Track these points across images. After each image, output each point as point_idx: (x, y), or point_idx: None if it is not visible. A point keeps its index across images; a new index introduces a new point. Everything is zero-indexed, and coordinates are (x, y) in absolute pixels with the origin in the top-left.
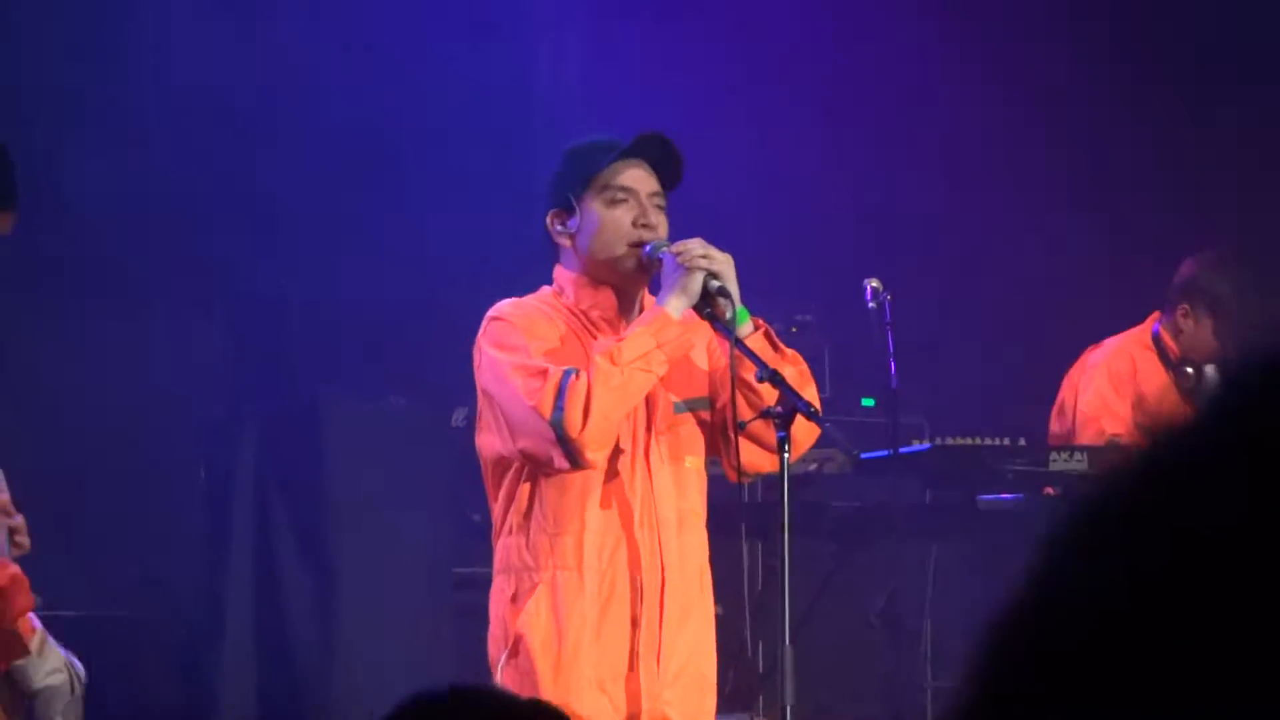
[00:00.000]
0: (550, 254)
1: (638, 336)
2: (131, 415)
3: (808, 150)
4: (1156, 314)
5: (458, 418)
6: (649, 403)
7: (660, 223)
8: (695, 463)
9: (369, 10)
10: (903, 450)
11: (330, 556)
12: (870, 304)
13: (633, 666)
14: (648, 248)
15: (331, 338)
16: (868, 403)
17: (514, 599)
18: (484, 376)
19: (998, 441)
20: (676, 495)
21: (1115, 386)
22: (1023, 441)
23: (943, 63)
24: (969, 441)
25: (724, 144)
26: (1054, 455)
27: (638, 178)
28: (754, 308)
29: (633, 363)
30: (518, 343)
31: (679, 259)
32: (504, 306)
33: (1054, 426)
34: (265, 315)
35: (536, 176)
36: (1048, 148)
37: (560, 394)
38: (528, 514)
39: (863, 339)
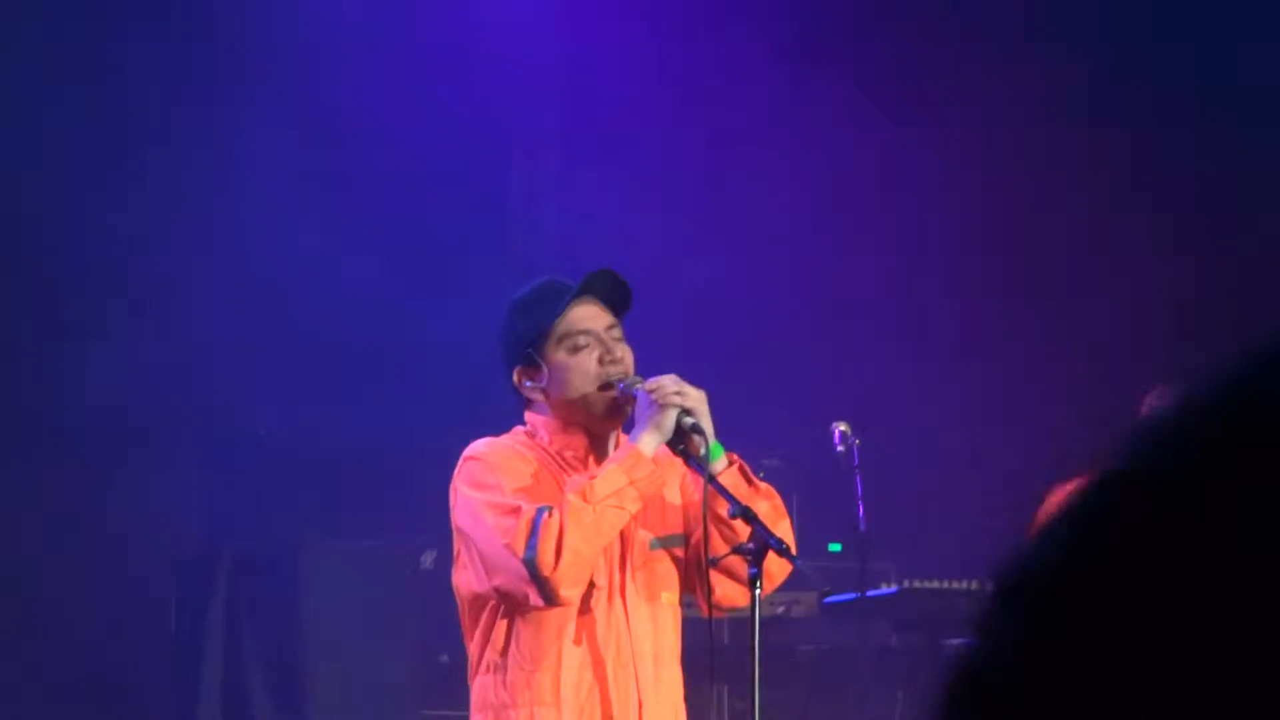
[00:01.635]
0: (518, 401)
1: (611, 474)
2: (101, 552)
3: (775, 295)
4: None
5: (427, 559)
6: (623, 540)
7: (624, 353)
8: (671, 599)
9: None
10: (870, 593)
11: (300, 695)
12: (839, 448)
13: None
14: (621, 385)
15: (304, 478)
16: (834, 548)
17: None
18: (459, 515)
19: (965, 585)
20: (653, 632)
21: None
22: (990, 585)
23: (912, 193)
24: (936, 584)
25: (691, 284)
26: None
27: (591, 315)
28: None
29: (605, 500)
30: (491, 481)
31: (653, 396)
32: (479, 446)
33: None
34: (239, 455)
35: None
36: (1023, 289)
37: (533, 532)
38: (504, 651)
39: (829, 483)
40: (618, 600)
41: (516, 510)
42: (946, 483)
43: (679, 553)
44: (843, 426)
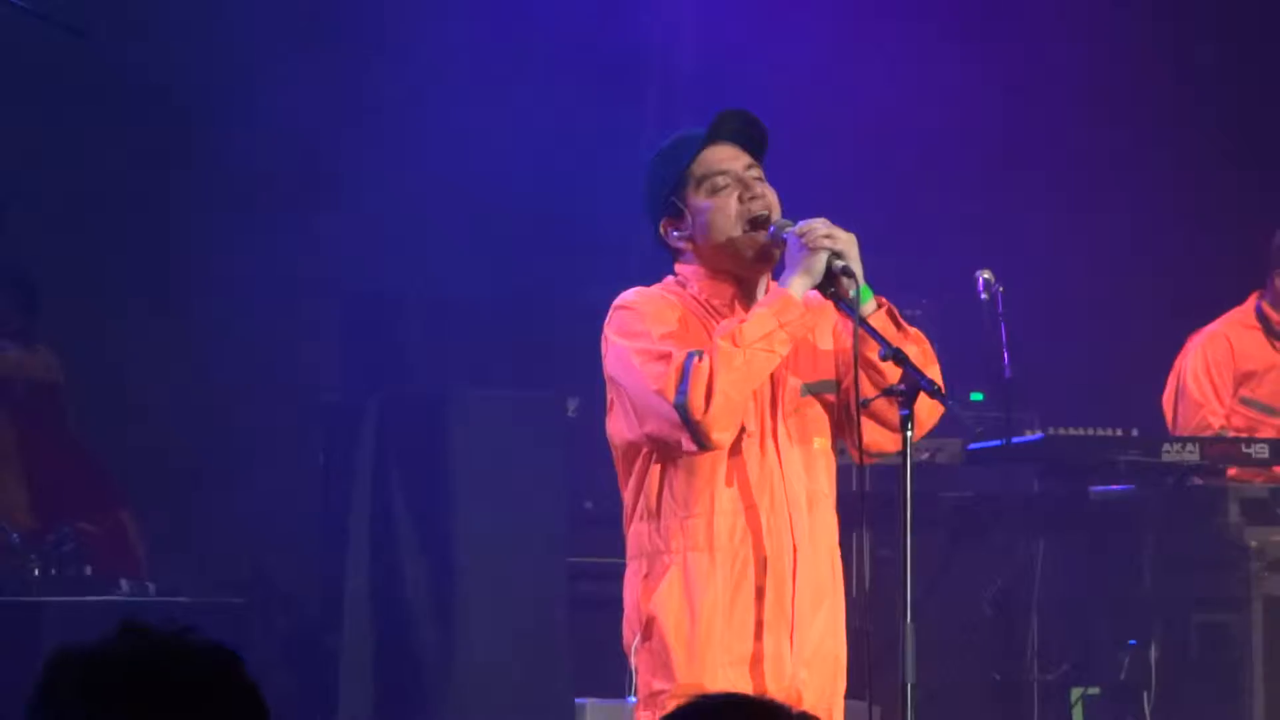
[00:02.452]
0: (669, 255)
1: (760, 317)
2: (249, 403)
3: (923, 145)
4: (1256, 292)
5: (572, 407)
6: (774, 384)
7: (765, 191)
8: (823, 444)
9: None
10: (1015, 440)
11: (447, 546)
12: (982, 295)
13: (766, 646)
14: (771, 229)
15: (448, 328)
16: (976, 397)
17: (646, 581)
18: (609, 363)
19: (1110, 432)
20: (806, 476)
21: (1211, 374)
22: (1135, 432)
23: (1056, 65)
24: (1081, 432)
25: (838, 136)
26: (1166, 446)
27: (728, 156)
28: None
29: (755, 343)
30: (640, 329)
31: (803, 240)
32: (628, 295)
33: (1168, 414)
34: (383, 306)
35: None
36: (1152, 140)
37: (684, 377)
38: (658, 498)
39: (972, 333)
40: (770, 445)
41: (667, 356)
42: (1092, 330)
43: (830, 398)
44: (986, 274)
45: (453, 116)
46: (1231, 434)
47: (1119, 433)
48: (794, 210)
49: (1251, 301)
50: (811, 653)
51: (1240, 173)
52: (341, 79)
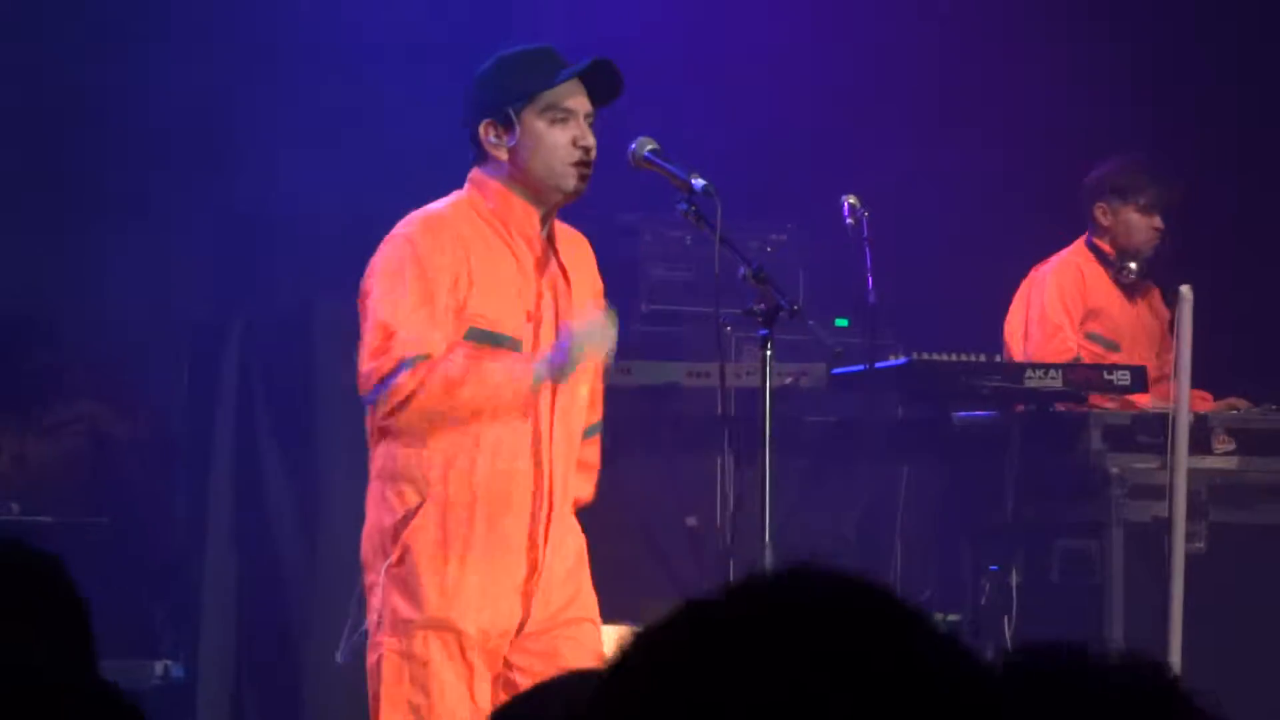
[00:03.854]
0: (470, 157)
1: (497, 384)
2: (112, 321)
3: (783, 64)
4: (1083, 235)
5: None
6: (557, 334)
7: (592, 143)
8: (587, 390)
9: None
10: (879, 365)
11: (312, 459)
12: (848, 220)
13: (509, 595)
14: (632, 145)
15: (317, 246)
16: (841, 323)
17: (405, 508)
18: (364, 288)
19: (974, 358)
20: (571, 419)
21: (1066, 302)
22: (999, 358)
23: None
24: (945, 358)
25: (699, 59)
26: (1029, 372)
27: (579, 100)
28: (732, 226)
29: (473, 400)
30: (398, 285)
31: (576, 345)
32: (414, 227)
33: (1014, 346)
34: (246, 225)
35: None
36: (1023, 60)
37: (386, 379)
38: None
39: (837, 258)
40: (545, 394)
41: (388, 341)
42: (955, 256)
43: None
44: (851, 199)
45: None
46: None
47: (983, 358)
48: (661, 135)
49: (1082, 240)
50: (554, 596)
51: (1109, 107)
52: None
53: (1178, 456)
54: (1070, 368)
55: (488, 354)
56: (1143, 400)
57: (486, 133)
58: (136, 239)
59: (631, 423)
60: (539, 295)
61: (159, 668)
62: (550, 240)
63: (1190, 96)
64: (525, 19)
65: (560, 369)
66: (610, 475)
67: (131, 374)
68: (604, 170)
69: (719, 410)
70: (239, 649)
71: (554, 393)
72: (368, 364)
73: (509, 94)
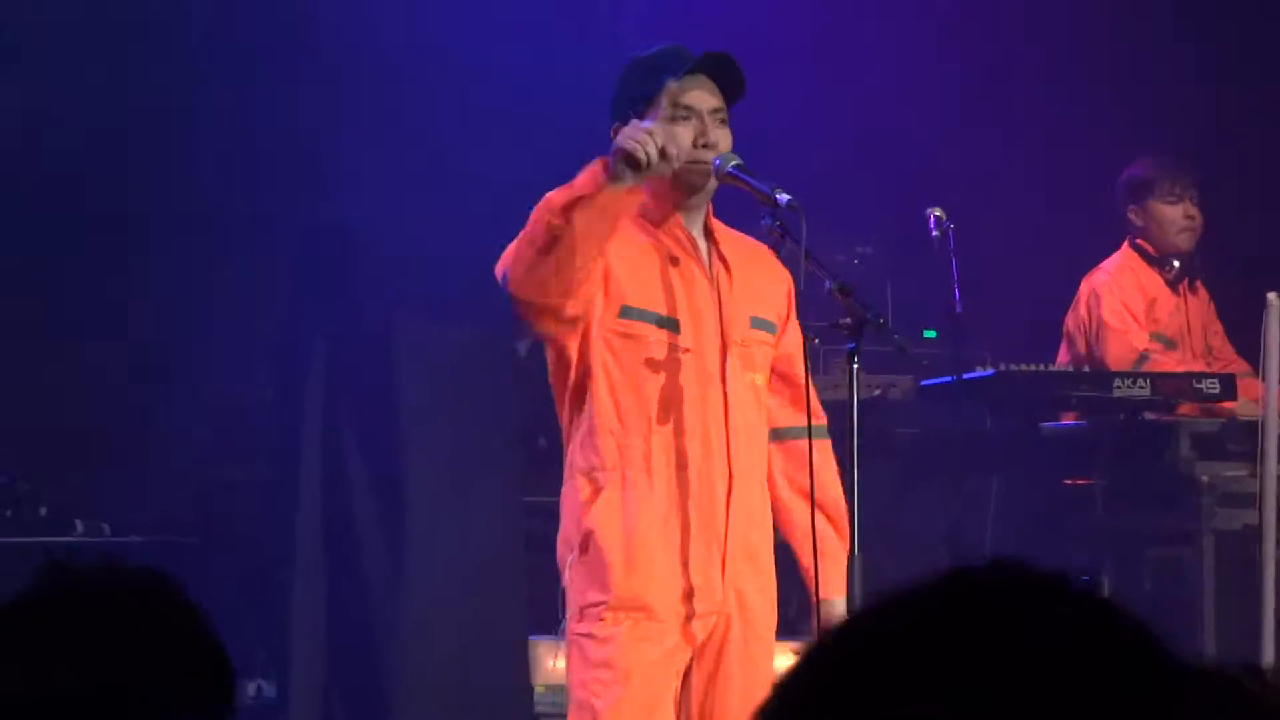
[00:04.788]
0: None
1: (574, 185)
2: (197, 339)
3: (869, 81)
4: (1125, 240)
5: (523, 347)
6: (724, 313)
7: (722, 138)
8: (761, 380)
9: None
10: (966, 376)
11: (399, 482)
12: (934, 233)
13: (694, 571)
14: (716, 160)
15: (398, 265)
16: (929, 335)
17: (585, 498)
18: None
19: (1060, 367)
20: (746, 407)
21: (1126, 303)
22: (1086, 368)
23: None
24: (1032, 368)
25: (786, 74)
26: (1117, 382)
27: (699, 96)
28: (818, 238)
29: (557, 206)
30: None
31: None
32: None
33: (1063, 356)
34: (330, 242)
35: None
36: (1110, 80)
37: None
38: (596, 415)
39: (924, 270)
40: (715, 371)
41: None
42: (1044, 266)
43: (769, 339)
44: (937, 211)
45: (413, 38)
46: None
47: (1070, 368)
48: (745, 149)
49: (1126, 245)
50: (743, 578)
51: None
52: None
53: (1267, 464)
54: (1159, 376)
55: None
56: (1229, 406)
57: (616, 135)
58: (222, 260)
59: None
60: (696, 282)
61: (251, 688)
62: (711, 235)
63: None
64: (604, 45)
65: (612, 160)
66: None
67: (219, 395)
68: None
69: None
70: (329, 668)
71: (723, 376)
72: (499, 269)
73: (632, 96)
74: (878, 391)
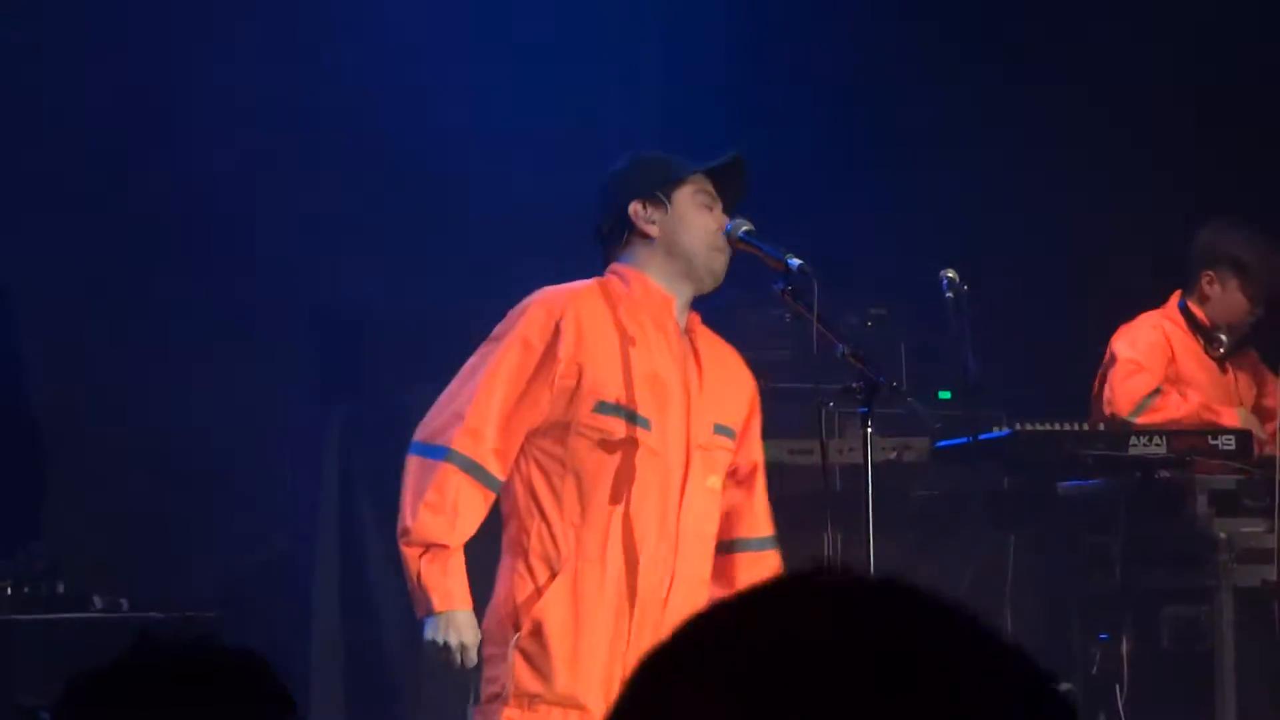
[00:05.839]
0: (611, 246)
1: (427, 581)
2: (215, 418)
3: (881, 144)
4: (1178, 291)
5: None
6: (692, 416)
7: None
8: (716, 483)
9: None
10: (982, 437)
11: None
12: (947, 294)
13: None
14: (728, 226)
15: (413, 341)
16: (944, 395)
17: (540, 584)
18: (477, 350)
19: (1076, 426)
20: (700, 511)
21: (1143, 350)
22: (1102, 426)
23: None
24: (1047, 427)
25: (800, 135)
26: (1133, 440)
27: (713, 191)
28: (830, 300)
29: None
30: (495, 350)
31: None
32: (542, 295)
33: (1094, 412)
34: (345, 319)
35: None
36: (1132, 135)
37: (421, 447)
38: (552, 498)
39: (937, 331)
40: (677, 474)
41: (462, 412)
42: (1057, 324)
43: (729, 444)
44: (950, 273)
45: (411, 110)
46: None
47: (1084, 427)
48: (759, 211)
49: (1173, 301)
50: None
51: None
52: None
53: None
54: (1174, 434)
55: (442, 557)
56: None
57: (637, 211)
58: (224, 346)
59: None
60: (671, 383)
61: None
62: (690, 335)
63: None
64: (613, 120)
65: (426, 625)
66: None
67: (236, 474)
68: None
69: (823, 487)
70: None
71: (685, 478)
72: (431, 417)
73: (660, 176)
74: (893, 454)
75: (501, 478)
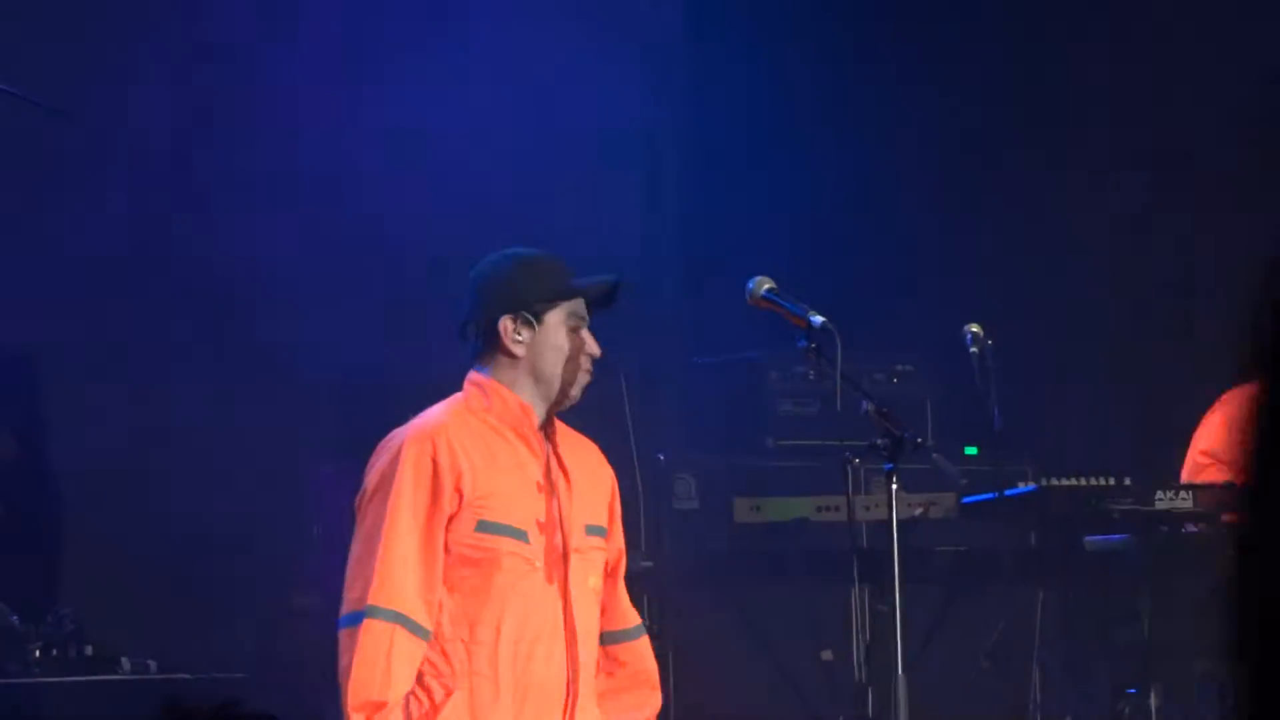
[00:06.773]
0: (475, 351)
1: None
2: (240, 477)
3: (903, 202)
4: None
5: None
6: (564, 523)
7: (599, 353)
8: (596, 583)
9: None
10: (1008, 492)
11: None
12: (971, 349)
13: None
14: (750, 284)
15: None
16: (970, 451)
17: (436, 701)
18: (360, 510)
19: (1103, 481)
20: (586, 613)
21: (1231, 432)
22: (1128, 481)
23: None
24: (1074, 482)
25: (821, 193)
26: (1160, 494)
27: (587, 310)
28: (856, 359)
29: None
30: (390, 514)
31: None
32: (408, 441)
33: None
34: (371, 379)
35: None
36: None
37: (348, 618)
38: (448, 622)
39: (962, 387)
40: (558, 579)
41: (369, 574)
42: (1081, 380)
43: (602, 543)
44: (974, 328)
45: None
46: None
47: (1111, 481)
48: (784, 268)
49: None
50: None
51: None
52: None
53: None
54: (1201, 488)
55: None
56: None
57: (506, 327)
58: (250, 406)
59: (763, 557)
60: (543, 492)
61: None
62: (552, 442)
63: None
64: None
65: None
66: (744, 610)
67: (264, 533)
68: (728, 308)
69: (850, 543)
70: None
71: (565, 581)
72: (346, 591)
73: (535, 293)
74: (919, 511)
75: (429, 626)
